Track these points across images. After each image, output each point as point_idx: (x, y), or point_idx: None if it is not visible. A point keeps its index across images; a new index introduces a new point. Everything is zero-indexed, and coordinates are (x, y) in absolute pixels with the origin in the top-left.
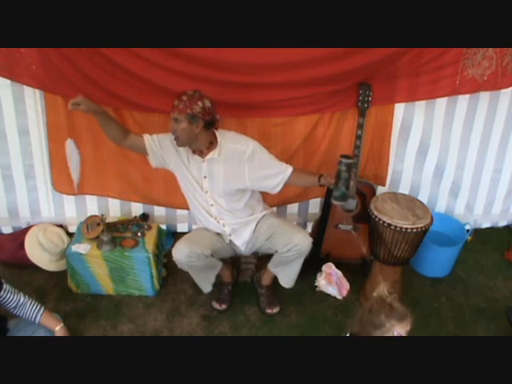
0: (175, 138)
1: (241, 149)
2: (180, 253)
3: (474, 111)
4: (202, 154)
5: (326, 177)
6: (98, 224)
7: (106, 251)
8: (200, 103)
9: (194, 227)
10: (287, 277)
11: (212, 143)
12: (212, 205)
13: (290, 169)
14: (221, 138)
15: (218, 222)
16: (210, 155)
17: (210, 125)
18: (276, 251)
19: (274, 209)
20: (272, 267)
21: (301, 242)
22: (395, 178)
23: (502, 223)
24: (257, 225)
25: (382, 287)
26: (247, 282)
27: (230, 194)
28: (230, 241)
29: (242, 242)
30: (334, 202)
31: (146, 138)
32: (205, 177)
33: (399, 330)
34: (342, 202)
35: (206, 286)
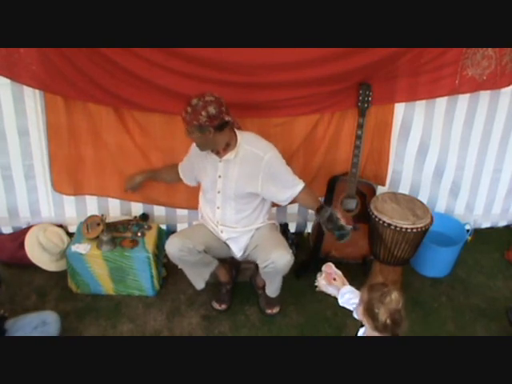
0: (196, 145)
1: (259, 154)
2: (172, 246)
3: (474, 111)
4: (219, 153)
5: (323, 215)
6: (98, 224)
7: (105, 251)
8: (204, 113)
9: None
10: (269, 288)
11: (229, 144)
12: (218, 207)
13: (300, 186)
14: (240, 139)
15: (217, 226)
16: (226, 156)
17: (223, 126)
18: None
19: (274, 210)
20: (261, 274)
21: (278, 259)
22: (395, 178)
23: (502, 223)
24: (254, 233)
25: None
26: (247, 282)
27: (240, 197)
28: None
29: (239, 248)
30: (339, 242)
31: (180, 168)
32: (219, 176)
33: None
34: (344, 239)
35: (199, 283)
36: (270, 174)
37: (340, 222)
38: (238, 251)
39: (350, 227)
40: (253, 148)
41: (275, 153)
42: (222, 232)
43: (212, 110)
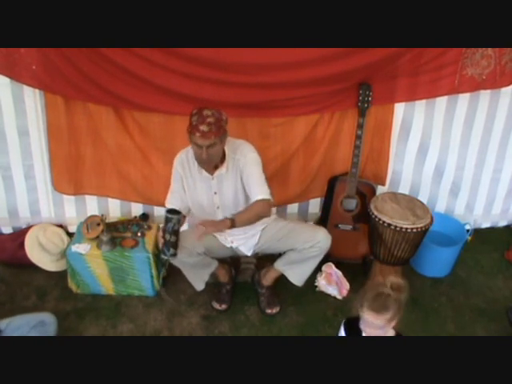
0: (204, 164)
1: (239, 159)
2: None
3: (474, 111)
4: (210, 170)
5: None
6: (98, 224)
7: (105, 251)
8: (224, 117)
9: None
10: (300, 275)
11: (223, 155)
12: None
13: (255, 197)
14: (228, 150)
15: (226, 238)
16: (218, 171)
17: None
18: (293, 249)
19: (274, 210)
20: (280, 265)
21: (323, 239)
22: (395, 178)
23: (502, 223)
24: (262, 230)
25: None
26: (247, 282)
27: (240, 206)
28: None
29: (247, 248)
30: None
31: (171, 203)
32: (215, 193)
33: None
34: (162, 255)
35: (199, 284)
36: (243, 171)
37: (167, 238)
38: (247, 251)
39: (167, 257)
40: (236, 155)
41: (252, 157)
42: (232, 242)
43: (225, 114)
